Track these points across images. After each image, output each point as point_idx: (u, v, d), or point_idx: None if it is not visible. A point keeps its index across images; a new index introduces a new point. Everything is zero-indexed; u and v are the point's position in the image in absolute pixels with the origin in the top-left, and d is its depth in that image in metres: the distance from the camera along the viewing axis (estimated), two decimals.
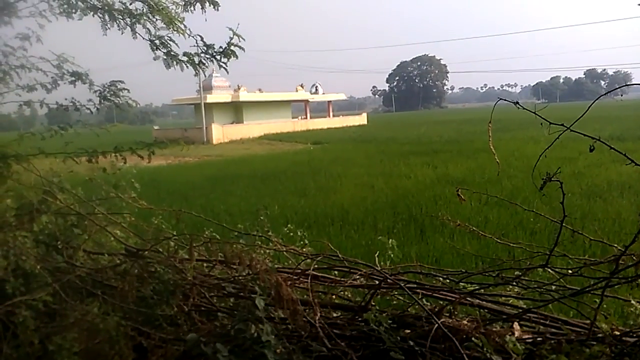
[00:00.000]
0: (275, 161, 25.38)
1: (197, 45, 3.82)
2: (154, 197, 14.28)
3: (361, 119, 64.35)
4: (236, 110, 51.38)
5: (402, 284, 2.80)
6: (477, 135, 33.26)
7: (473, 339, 2.46)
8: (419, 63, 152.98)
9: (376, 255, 4.02)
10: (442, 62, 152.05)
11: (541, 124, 2.55)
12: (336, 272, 4.10)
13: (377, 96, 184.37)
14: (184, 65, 3.94)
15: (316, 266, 3.51)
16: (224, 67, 3.85)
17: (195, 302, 3.82)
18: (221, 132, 44.82)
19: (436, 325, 2.55)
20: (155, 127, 54.28)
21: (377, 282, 3.13)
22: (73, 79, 3.90)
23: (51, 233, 4.93)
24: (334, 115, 64.17)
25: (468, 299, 2.89)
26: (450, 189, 13.95)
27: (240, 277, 3.37)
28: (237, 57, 3.78)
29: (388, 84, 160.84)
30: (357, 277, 3.36)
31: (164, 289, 3.62)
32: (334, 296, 3.35)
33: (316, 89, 61.18)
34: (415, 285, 2.92)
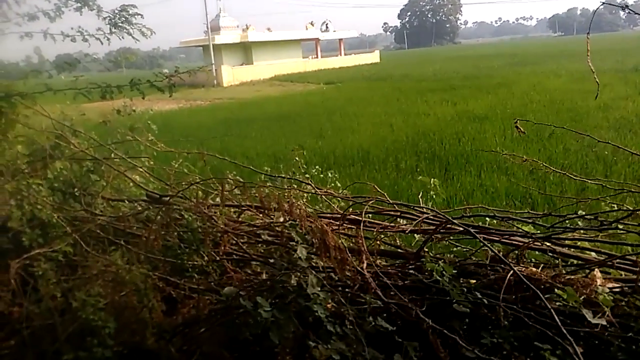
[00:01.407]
0: (288, 102, 24.84)
1: None
2: (169, 141, 13.81)
3: (374, 57, 62.85)
4: (245, 51, 50.21)
5: (465, 227, 2.47)
6: (495, 70, 32.29)
7: (555, 289, 2.14)
8: None
9: (419, 196, 3.67)
10: None
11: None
12: (375, 217, 3.80)
13: (388, 33, 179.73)
14: None
15: (357, 211, 3.19)
16: None
17: (226, 250, 3.54)
18: (231, 73, 43.99)
19: (510, 272, 2.23)
20: (165, 71, 53.36)
21: (430, 226, 2.80)
22: (79, 4, 3.45)
23: (67, 180, 4.66)
24: (345, 54, 62.71)
25: (537, 243, 2.56)
26: (473, 125, 13.52)
27: (276, 224, 3.06)
28: None
29: (400, 20, 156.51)
30: (405, 221, 3.04)
31: (193, 237, 3.32)
32: (378, 243, 3.03)
33: (327, 27, 59.48)
34: (477, 230, 2.59)
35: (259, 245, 3.61)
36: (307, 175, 4.11)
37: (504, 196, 7.98)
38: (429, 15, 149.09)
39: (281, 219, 2.94)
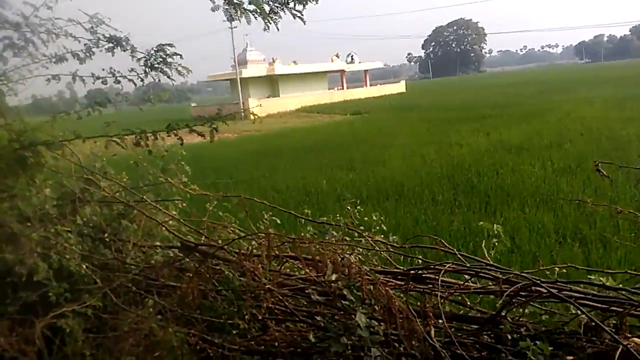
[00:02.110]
0: (316, 133, 24.69)
1: None
2: (199, 174, 13.66)
3: (399, 87, 62.84)
4: (272, 83, 50.67)
5: (553, 291, 2.10)
6: (525, 98, 31.80)
7: None
8: (455, 27, 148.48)
9: (482, 246, 3.30)
10: (479, 25, 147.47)
11: None
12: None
13: (412, 63, 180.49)
14: (251, 15, 3.21)
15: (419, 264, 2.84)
16: (299, 17, 3.11)
17: (267, 305, 3.21)
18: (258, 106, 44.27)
19: (620, 348, 1.85)
20: (193, 105, 54.09)
21: (506, 285, 2.43)
22: (111, 44, 3.21)
23: (96, 225, 4.41)
24: (370, 84, 62.81)
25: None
26: (510, 156, 13.09)
27: (327, 281, 2.72)
28: (316, 2, 3.05)
29: (424, 50, 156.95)
30: (472, 278, 2.67)
31: (233, 296, 3.01)
32: (442, 301, 2.66)
33: (352, 59, 59.79)
34: (567, 294, 2.21)
35: (302, 299, 3.29)
36: (360, 226, 3.73)
37: (552, 233, 7.51)
38: (453, 45, 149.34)
39: (333, 277, 2.60)
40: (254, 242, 3.59)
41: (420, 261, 3.06)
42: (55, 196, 4.50)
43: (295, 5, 3.07)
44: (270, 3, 3.10)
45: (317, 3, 3.04)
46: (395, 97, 49.96)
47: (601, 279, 2.65)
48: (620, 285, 2.38)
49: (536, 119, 20.32)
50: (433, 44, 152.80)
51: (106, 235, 4.33)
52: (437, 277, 2.53)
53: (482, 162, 12.76)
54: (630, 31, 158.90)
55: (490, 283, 2.57)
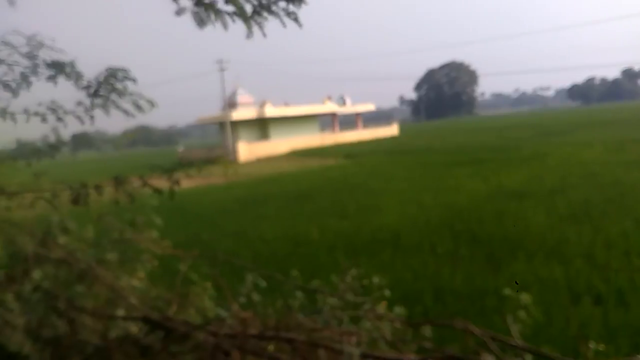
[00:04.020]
0: (307, 178, 24.11)
1: None
2: (180, 223, 13.16)
3: (392, 130, 62.81)
4: (262, 126, 50.34)
5: None
6: (522, 141, 31.54)
7: None
8: (447, 70, 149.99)
9: (508, 320, 2.65)
10: (472, 67, 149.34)
11: None
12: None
13: (404, 106, 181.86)
14: (229, 18, 2.59)
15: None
16: (293, 20, 2.49)
17: None
18: (248, 149, 43.90)
19: None
20: (180, 148, 53.68)
21: None
22: (52, 72, 2.59)
23: (50, 290, 3.75)
24: (362, 128, 62.79)
25: None
26: (512, 203, 12.53)
27: None
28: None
29: (416, 93, 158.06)
30: None
31: None
32: None
33: (344, 101, 59.87)
34: None
35: None
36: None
37: (565, 289, 6.86)
38: (446, 88, 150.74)
39: None
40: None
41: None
42: (5, 257, 3.91)
43: (288, 4, 2.46)
44: (255, 2, 2.47)
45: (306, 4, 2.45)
46: (388, 141, 49.75)
47: None
48: None
49: (535, 162, 19.90)
50: (426, 86, 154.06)
51: (59, 302, 3.69)
52: None
53: (483, 208, 12.17)
54: (621, 74, 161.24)
55: None
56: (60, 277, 3.86)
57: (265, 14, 2.46)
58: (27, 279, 3.75)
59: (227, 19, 2.48)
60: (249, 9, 2.46)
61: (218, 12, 2.43)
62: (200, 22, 2.45)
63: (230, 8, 2.43)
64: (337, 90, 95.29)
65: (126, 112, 2.87)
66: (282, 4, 2.45)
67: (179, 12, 2.38)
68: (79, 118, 2.78)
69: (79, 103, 2.73)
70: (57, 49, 2.65)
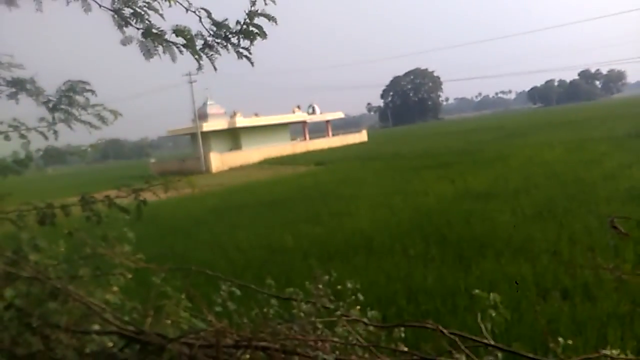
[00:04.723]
0: (279, 186, 24.18)
1: (201, 23, 2.50)
2: (154, 236, 13.07)
3: (361, 137, 63.42)
4: (234, 136, 50.34)
5: None
6: (486, 144, 32.15)
7: None
8: (412, 77, 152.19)
9: (478, 319, 2.78)
10: (435, 74, 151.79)
11: None
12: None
13: (372, 113, 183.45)
14: (177, 50, 2.60)
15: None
16: (245, 56, 2.56)
17: None
18: (220, 160, 43.78)
19: None
20: (152, 160, 53.21)
21: None
22: (13, 89, 2.62)
23: (22, 308, 3.74)
24: (332, 135, 63.19)
25: None
26: (478, 204, 12.77)
27: None
28: (264, 36, 2.50)
29: (383, 100, 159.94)
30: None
31: None
32: None
33: (313, 110, 60.28)
34: None
35: None
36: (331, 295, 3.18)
37: (532, 286, 7.05)
38: (411, 94, 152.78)
39: None
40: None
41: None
42: None
43: (239, 41, 2.52)
44: (208, 37, 2.53)
45: (264, 38, 2.51)
46: (358, 147, 50.15)
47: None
48: None
49: (500, 164, 20.31)
50: (392, 93, 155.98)
51: (33, 319, 3.68)
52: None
53: (451, 210, 12.41)
54: (579, 75, 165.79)
55: None
56: (32, 295, 3.84)
57: (217, 47, 2.49)
58: None
59: (176, 50, 2.50)
60: (199, 43, 2.48)
61: (167, 44, 2.45)
62: (147, 53, 2.45)
63: (180, 40, 2.45)
64: (306, 100, 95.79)
65: (90, 125, 2.90)
66: (235, 40, 2.49)
67: (125, 41, 2.39)
68: (42, 134, 2.81)
69: (42, 119, 2.76)
70: (16, 64, 2.67)
